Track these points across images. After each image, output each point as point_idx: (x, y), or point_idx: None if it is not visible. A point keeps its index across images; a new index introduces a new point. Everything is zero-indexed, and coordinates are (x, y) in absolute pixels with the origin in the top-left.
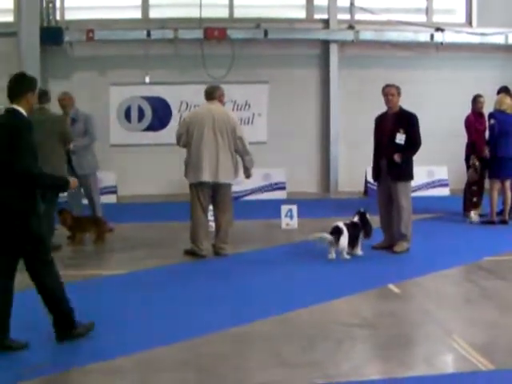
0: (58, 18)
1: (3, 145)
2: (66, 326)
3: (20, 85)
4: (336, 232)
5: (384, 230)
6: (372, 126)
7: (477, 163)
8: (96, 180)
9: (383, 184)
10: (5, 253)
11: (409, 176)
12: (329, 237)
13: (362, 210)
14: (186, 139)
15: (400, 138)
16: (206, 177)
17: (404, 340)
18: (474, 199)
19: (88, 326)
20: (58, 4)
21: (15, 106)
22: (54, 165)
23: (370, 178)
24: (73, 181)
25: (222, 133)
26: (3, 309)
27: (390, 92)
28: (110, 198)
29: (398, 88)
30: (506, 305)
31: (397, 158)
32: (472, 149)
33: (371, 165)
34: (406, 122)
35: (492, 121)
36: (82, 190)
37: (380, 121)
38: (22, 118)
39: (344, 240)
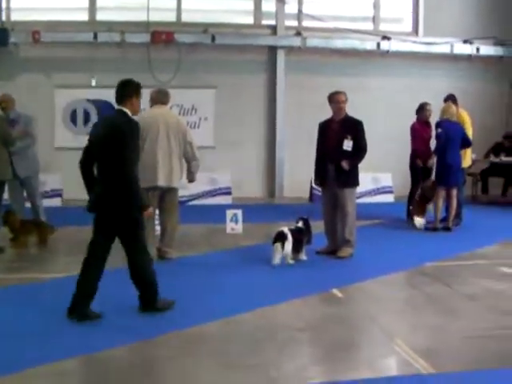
0: (3, 18)
1: (116, 142)
2: (150, 300)
3: (126, 89)
4: (281, 237)
5: (328, 235)
6: (315, 130)
7: (432, 180)
8: (37, 182)
9: (328, 190)
10: (106, 237)
11: (355, 182)
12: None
13: (305, 216)
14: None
15: (347, 145)
16: (162, 181)
17: (347, 343)
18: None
19: (169, 303)
20: (3, 5)
21: (122, 108)
22: None
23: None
24: (148, 212)
25: (174, 138)
26: (93, 284)
27: (341, 99)
28: (55, 201)
29: (345, 94)
30: (448, 309)
31: (345, 164)
32: (414, 157)
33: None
34: (353, 128)
35: (439, 130)
36: (25, 192)
37: (325, 127)
38: (130, 119)
39: (288, 245)
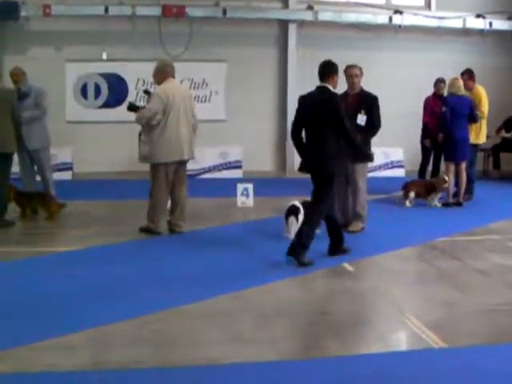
0: None
1: (332, 109)
2: (338, 245)
3: (329, 68)
4: (294, 211)
5: (338, 209)
6: None
7: (445, 177)
8: (47, 155)
9: None
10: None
11: (367, 157)
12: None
13: None
14: (160, 118)
15: (361, 119)
16: (187, 154)
17: (358, 318)
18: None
19: (347, 248)
20: None
21: (326, 84)
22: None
23: None
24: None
25: (189, 111)
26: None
27: (354, 73)
28: (66, 175)
29: (360, 68)
30: (459, 284)
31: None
32: (425, 131)
33: None
34: (368, 103)
35: (443, 108)
36: (35, 165)
37: (341, 100)
38: (331, 92)
39: (302, 218)
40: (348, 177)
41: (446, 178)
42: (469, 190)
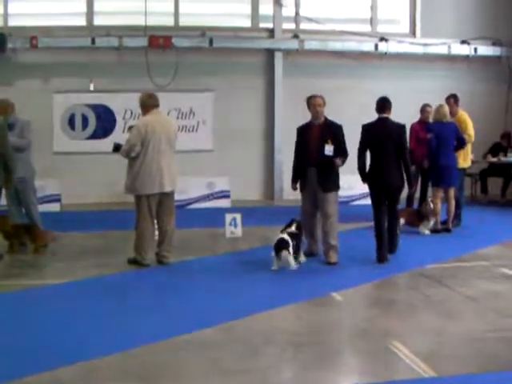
0: (1, 24)
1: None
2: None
3: (388, 103)
4: (284, 245)
5: (307, 238)
6: None
7: (430, 203)
8: (31, 186)
9: (308, 194)
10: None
11: (338, 186)
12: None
13: (297, 218)
14: (139, 150)
15: (329, 150)
16: (168, 186)
17: (347, 348)
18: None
19: None
20: (1, 10)
21: (386, 115)
22: None
23: None
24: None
25: (170, 141)
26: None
27: (318, 103)
28: (54, 207)
29: (323, 98)
30: (449, 311)
31: (338, 161)
32: (410, 158)
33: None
34: (334, 133)
35: (429, 135)
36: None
37: (305, 131)
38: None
39: (292, 251)
40: (316, 205)
41: (431, 204)
42: (457, 216)
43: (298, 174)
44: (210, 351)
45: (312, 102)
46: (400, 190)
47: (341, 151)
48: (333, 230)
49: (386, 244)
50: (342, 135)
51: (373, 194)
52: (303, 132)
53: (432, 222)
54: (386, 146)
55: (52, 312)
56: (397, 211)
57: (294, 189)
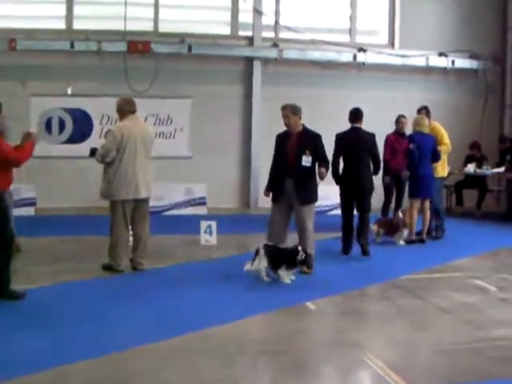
0: None
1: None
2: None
3: (360, 113)
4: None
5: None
6: None
7: (400, 214)
8: None
9: (282, 204)
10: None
11: (316, 198)
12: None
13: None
14: (114, 156)
15: (306, 161)
16: (143, 193)
17: (319, 357)
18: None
19: None
20: None
21: (358, 125)
22: None
23: None
24: None
25: (146, 147)
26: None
27: (284, 114)
28: (29, 211)
29: (293, 108)
30: (421, 323)
31: (323, 171)
32: (385, 168)
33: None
34: (311, 143)
35: (411, 145)
36: None
37: (283, 140)
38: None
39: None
40: (288, 216)
41: (400, 215)
42: (440, 227)
43: (274, 183)
44: (184, 359)
45: (282, 113)
46: (370, 193)
47: (323, 161)
48: (309, 240)
49: (351, 238)
50: (321, 145)
51: (343, 196)
52: (281, 141)
53: (406, 233)
54: (358, 154)
55: (24, 317)
56: (367, 218)
57: (267, 195)
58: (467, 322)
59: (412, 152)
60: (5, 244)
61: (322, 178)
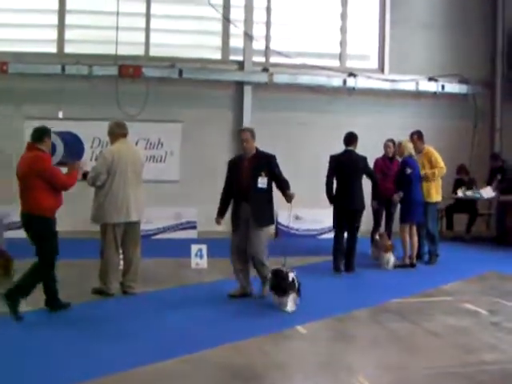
0: None
1: (365, 165)
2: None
3: (354, 137)
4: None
5: (240, 277)
6: (284, 167)
7: (378, 238)
8: None
9: (241, 230)
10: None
11: (272, 221)
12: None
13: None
14: (105, 179)
15: (262, 183)
16: (134, 216)
17: (310, 381)
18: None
19: None
20: None
21: (352, 148)
22: None
23: (281, 220)
24: None
25: (137, 170)
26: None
27: (244, 138)
28: (19, 234)
29: (252, 132)
30: (411, 347)
31: (291, 193)
32: (374, 193)
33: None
34: (266, 164)
35: (408, 170)
36: None
37: (236, 164)
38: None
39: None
40: (248, 241)
41: (377, 238)
42: (434, 252)
43: (225, 209)
44: (174, 383)
45: (240, 136)
46: (361, 211)
47: (280, 181)
48: (263, 264)
49: (341, 257)
50: (277, 165)
51: (336, 215)
52: (234, 165)
53: (392, 258)
54: (351, 174)
55: (14, 341)
56: (356, 235)
57: (219, 223)
58: (458, 345)
59: (409, 177)
60: (53, 262)
61: (289, 201)
